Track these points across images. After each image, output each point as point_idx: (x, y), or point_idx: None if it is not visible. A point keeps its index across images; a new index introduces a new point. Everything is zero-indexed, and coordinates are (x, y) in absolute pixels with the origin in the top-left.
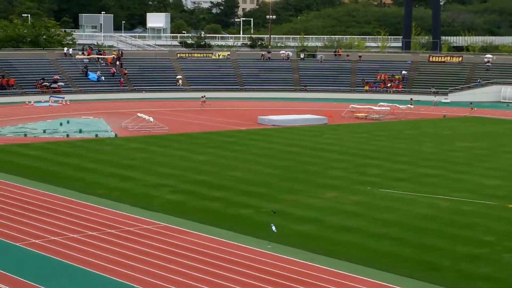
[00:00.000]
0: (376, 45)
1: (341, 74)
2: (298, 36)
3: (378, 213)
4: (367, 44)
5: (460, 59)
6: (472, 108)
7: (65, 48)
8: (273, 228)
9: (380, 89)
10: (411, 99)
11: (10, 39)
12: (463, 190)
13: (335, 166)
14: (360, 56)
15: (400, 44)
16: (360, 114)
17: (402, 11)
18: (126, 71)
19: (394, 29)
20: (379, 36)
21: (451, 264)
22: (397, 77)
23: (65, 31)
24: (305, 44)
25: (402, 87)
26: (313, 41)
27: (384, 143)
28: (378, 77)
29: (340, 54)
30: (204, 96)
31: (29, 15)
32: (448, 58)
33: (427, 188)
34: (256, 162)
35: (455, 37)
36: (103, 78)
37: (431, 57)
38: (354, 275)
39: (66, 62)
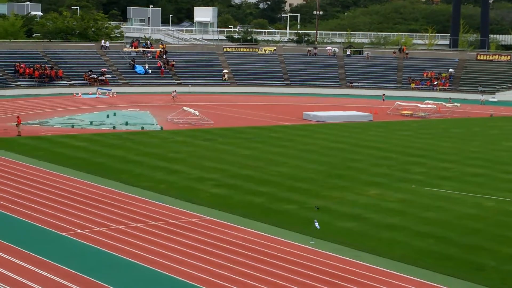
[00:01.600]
0: (423, 42)
1: (387, 71)
2: (345, 32)
3: (423, 211)
4: (414, 41)
5: (508, 58)
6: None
7: (102, 41)
8: (317, 224)
9: (426, 87)
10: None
11: (60, 31)
12: (509, 190)
13: (379, 163)
14: (406, 54)
15: (447, 42)
16: (405, 112)
17: (450, 9)
18: (174, 63)
19: (442, 27)
20: (426, 34)
21: (496, 264)
22: (444, 75)
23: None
24: (351, 40)
25: (449, 85)
26: (359, 38)
27: (429, 141)
28: (425, 75)
29: (407, 53)
30: (175, 91)
31: (78, 7)
32: (496, 56)
33: (473, 188)
34: (300, 158)
35: (503, 35)
36: (150, 71)
37: (478, 55)
38: (398, 273)
39: (114, 55)
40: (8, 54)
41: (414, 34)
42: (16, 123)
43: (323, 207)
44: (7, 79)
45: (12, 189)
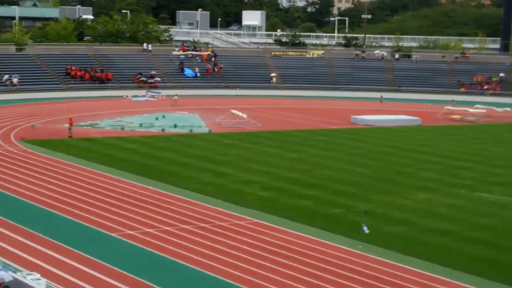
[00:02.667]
0: (473, 46)
1: (436, 75)
2: (393, 36)
3: (472, 216)
4: (464, 45)
5: None
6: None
7: (144, 44)
8: (365, 229)
9: (476, 91)
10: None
11: (110, 35)
12: None
13: (428, 168)
14: (456, 57)
15: (498, 46)
16: (455, 116)
17: (501, 12)
18: (221, 65)
19: (492, 31)
20: (476, 38)
21: None
22: (494, 79)
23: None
24: (400, 44)
25: (500, 90)
26: (408, 41)
27: (479, 146)
28: (475, 79)
29: (467, 56)
30: (176, 95)
31: (128, 11)
32: None
33: None
34: (348, 161)
35: None
36: (199, 74)
37: None
38: (447, 279)
39: (163, 58)
40: (60, 57)
41: (464, 38)
42: (68, 125)
43: (371, 211)
44: (59, 82)
45: (63, 189)
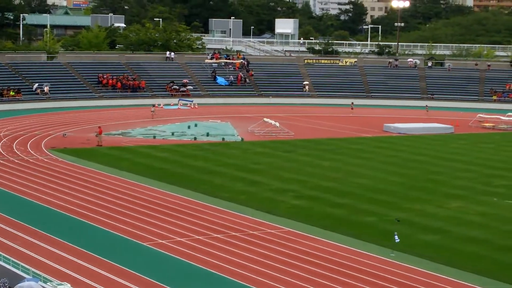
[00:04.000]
0: (506, 54)
1: (469, 83)
2: (426, 44)
3: (505, 225)
4: (497, 53)
5: None
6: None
7: (167, 52)
8: (396, 238)
9: (509, 99)
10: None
11: (142, 43)
12: None
13: (460, 176)
14: (489, 65)
15: None
16: (487, 124)
17: None
18: (252, 72)
19: None
20: (509, 46)
21: None
22: None
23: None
24: (433, 52)
25: None
26: (441, 49)
27: None
28: (507, 87)
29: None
30: (155, 105)
31: (160, 19)
32: None
33: None
34: (381, 169)
35: None
36: (233, 80)
37: None
38: (479, 287)
39: (195, 66)
40: (92, 65)
41: (497, 46)
42: (97, 133)
43: (404, 219)
44: (91, 90)
45: (93, 198)
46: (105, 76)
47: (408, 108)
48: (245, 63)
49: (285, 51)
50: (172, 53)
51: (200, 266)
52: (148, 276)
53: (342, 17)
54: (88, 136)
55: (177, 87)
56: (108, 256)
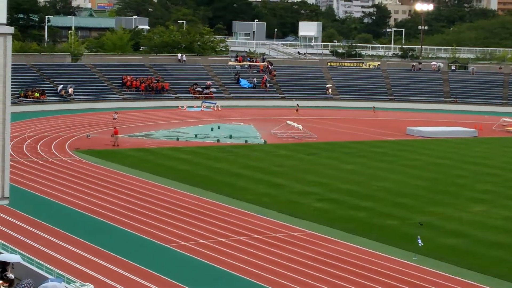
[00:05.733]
0: None
1: (493, 87)
2: (450, 47)
3: None
4: None
5: None
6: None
7: (179, 55)
8: (419, 241)
9: None
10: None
11: (166, 45)
12: None
13: (484, 180)
14: None
15: None
16: (511, 128)
17: None
18: (275, 72)
19: None
20: None
21: None
22: None
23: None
24: (456, 55)
25: None
26: (465, 53)
27: None
28: None
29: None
30: (117, 112)
31: (184, 21)
32: None
33: None
34: (404, 173)
35: None
36: (256, 83)
37: None
38: None
39: (219, 68)
40: (116, 67)
41: None
42: (113, 133)
43: (427, 223)
44: (115, 92)
45: (117, 200)
46: (129, 78)
47: (432, 111)
48: (268, 64)
49: (303, 53)
50: (184, 56)
51: (222, 268)
52: (170, 277)
53: (365, 20)
54: (111, 138)
55: (200, 89)
56: (130, 257)
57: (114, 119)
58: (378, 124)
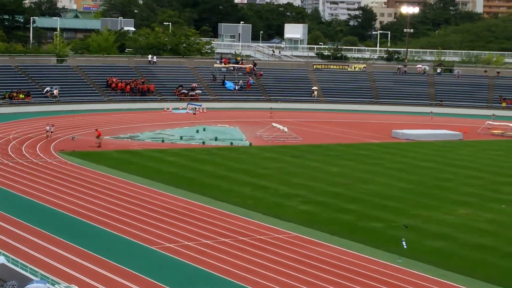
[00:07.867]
0: None
1: (478, 90)
2: (435, 50)
3: None
4: (506, 60)
5: None
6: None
7: (149, 56)
8: (404, 244)
9: None
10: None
11: (151, 47)
12: None
13: (469, 183)
14: (498, 72)
15: None
16: (496, 131)
17: None
18: (261, 73)
19: None
20: None
21: None
22: None
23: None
24: (442, 58)
25: None
26: (450, 56)
27: None
28: None
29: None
30: (53, 124)
31: (170, 23)
32: None
33: None
34: (389, 175)
35: None
36: (242, 85)
37: None
38: None
39: (204, 70)
40: (101, 69)
41: (506, 53)
42: (97, 135)
43: (412, 226)
44: (100, 94)
45: (102, 201)
46: (114, 80)
47: (417, 114)
48: (253, 66)
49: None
50: (155, 57)
51: (207, 270)
52: (155, 279)
53: (351, 23)
54: (95, 139)
55: (185, 91)
56: (116, 259)
57: (48, 131)
58: (363, 126)
